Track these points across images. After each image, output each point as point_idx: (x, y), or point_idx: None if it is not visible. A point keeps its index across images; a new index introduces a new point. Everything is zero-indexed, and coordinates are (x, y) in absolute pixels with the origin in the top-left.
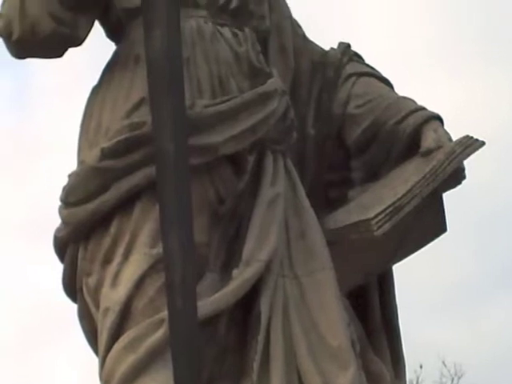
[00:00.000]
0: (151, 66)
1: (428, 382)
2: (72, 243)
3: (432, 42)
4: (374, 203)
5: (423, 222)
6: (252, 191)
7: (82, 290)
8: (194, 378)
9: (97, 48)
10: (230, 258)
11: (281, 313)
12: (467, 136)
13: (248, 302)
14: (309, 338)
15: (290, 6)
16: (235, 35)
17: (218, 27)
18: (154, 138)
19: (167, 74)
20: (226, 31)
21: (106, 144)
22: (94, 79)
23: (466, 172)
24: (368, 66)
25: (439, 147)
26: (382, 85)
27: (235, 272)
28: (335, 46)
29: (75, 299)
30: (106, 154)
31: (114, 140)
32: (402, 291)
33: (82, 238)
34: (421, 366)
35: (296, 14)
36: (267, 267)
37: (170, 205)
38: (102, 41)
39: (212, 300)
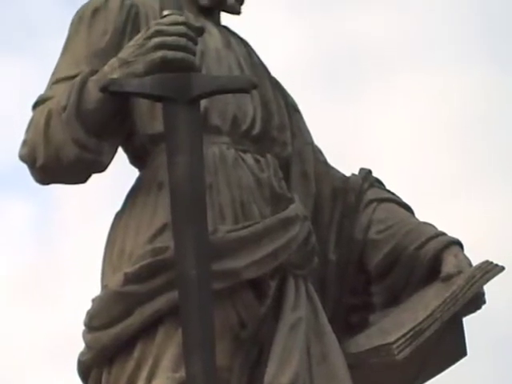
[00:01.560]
0: (174, 191)
1: None
2: (96, 367)
3: (452, 169)
4: (394, 328)
5: (444, 346)
6: (274, 315)
7: None
8: None
9: (120, 174)
10: (252, 383)
11: None
12: (487, 261)
13: None
14: None
15: (311, 132)
16: (257, 161)
17: (241, 153)
18: (177, 263)
19: (190, 199)
20: (248, 157)
21: (129, 269)
22: (117, 205)
23: (486, 297)
24: (389, 191)
25: (459, 272)
26: (402, 210)
27: None
28: (356, 172)
29: None
30: (129, 279)
31: (137, 265)
32: None
33: (105, 363)
34: None
35: (317, 140)
36: None
37: (192, 329)
38: (124, 167)
39: None
